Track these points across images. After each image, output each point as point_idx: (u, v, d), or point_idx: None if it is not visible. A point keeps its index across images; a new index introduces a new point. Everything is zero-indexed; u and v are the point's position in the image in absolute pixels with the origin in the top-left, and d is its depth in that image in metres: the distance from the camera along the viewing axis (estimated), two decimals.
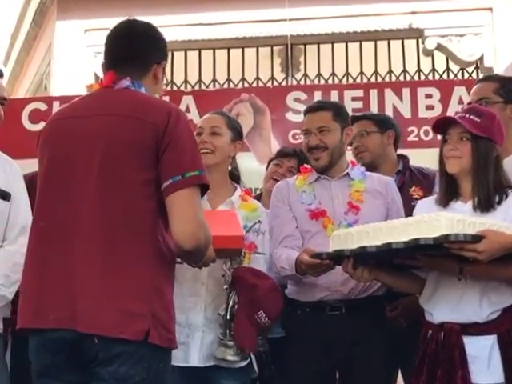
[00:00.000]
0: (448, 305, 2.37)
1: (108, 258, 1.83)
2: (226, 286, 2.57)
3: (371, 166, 3.18)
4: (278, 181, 3.33)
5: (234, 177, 2.93)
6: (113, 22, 6.69)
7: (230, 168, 2.87)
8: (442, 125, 2.48)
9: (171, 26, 6.77)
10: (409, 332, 2.80)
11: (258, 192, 3.96)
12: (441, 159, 2.48)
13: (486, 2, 6.53)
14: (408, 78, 6.60)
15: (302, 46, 7.03)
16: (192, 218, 1.85)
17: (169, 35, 6.98)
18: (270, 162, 3.63)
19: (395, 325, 2.91)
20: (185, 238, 1.84)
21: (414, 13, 6.58)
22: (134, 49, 2.08)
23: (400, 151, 3.89)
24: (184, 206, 1.85)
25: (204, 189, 1.94)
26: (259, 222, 2.77)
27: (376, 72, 6.75)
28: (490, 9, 6.54)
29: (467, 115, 2.43)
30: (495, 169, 2.41)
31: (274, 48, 7.05)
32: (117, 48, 2.11)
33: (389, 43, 6.77)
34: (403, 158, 3.50)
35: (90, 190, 1.87)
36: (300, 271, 2.66)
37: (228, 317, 2.56)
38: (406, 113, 4.69)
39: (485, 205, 2.36)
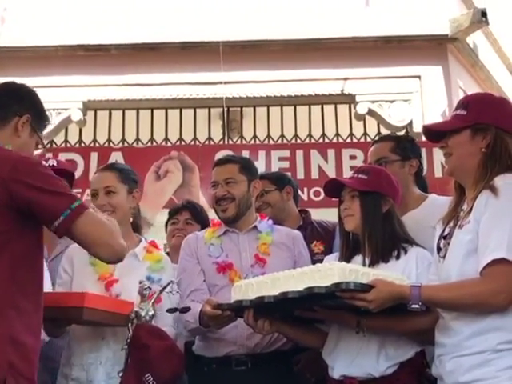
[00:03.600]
0: (347, 358, 2.37)
1: None
2: (125, 346, 2.46)
3: (275, 222, 3.20)
4: (180, 237, 3.42)
5: (136, 226, 2.91)
6: (50, 80, 6.69)
7: (131, 218, 2.86)
8: (335, 188, 2.57)
9: (109, 86, 6.86)
10: None
11: None
12: (339, 218, 2.57)
13: (415, 70, 6.77)
14: (341, 141, 6.74)
15: (239, 109, 7.15)
16: (104, 241, 1.99)
17: (107, 94, 7.05)
18: (166, 225, 3.71)
19: (303, 380, 2.88)
20: (108, 257, 2.03)
21: (346, 79, 6.77)
22: None
23: (324, 211, 3.95)
24: (90, 232, 1.97)
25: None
26: (172, 281, 2.66)
27: (310, 135, 6.88)
28: (419, 76, 6.78)
29: (355, 175, 2.56)
30: (388, 221, 2.48)
31: (212, 109, 7.15)
32: None
33: (322, 107, 6.92)
34: (304, 213, 3.57)
35: None
36: (204, 323, 2.63)
37: None
38: (331, 173, 4.81)
39: (376, 257, 2.41)
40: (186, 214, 3.61)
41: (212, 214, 3.61)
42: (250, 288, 2.39)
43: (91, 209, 2.06)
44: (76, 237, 1.97)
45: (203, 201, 5.01)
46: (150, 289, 2.56)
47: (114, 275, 2.72)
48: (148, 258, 2.80)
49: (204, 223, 3.61)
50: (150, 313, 2.51)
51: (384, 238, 2.45)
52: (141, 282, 2.57)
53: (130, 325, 2.48)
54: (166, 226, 3.71)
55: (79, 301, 2.42)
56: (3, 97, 2.15)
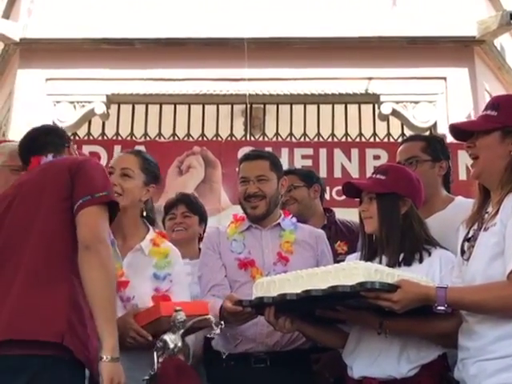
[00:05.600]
0: (367, 359, 2.34)
1: (29, 281, 2.02)
2: (146, 377, 2.20)
3: (300, 219, 3.17)
4: (180, 231, 3.41)
5: (150, 220, 2.81)
6: (75, 73, 6.71)
7: (144, 212, 2.75)
8: (355, 189, 2.54)
9: (133, 80, 6.87)
10: None
11: None
12: (360, 220, 2.53)
13: (440, 71, 6.70)
14: (364, 141, 6.69)
15: (262, 106, 7.12)
16: (94, 226, 2.09)
17: (131, 88, 7.07)
18: (164, 222, 3.62)
19: (321, 379, 2.86)
20: (84, 237, 2.07)
21: (370, 78, 6.72)
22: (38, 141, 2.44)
23: (347, 210, 3.91)
24: (89, 219, 2.09)
25: (114, 210, 2.20)
26: (208, 319, 2.41)
27: (333, 134, 6.84)
28: (444, 78, 6.71)
29: (374, 175, 2.52)
30: (407, 223, 2.43)
31: (234, 106, 7.13)
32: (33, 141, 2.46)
33: (346, 107, 6.87)
34: (329, 212, 3.53)
35: (21, 223, 2.14)
36: (223, 319, 2.60)
37: None
38: (354, 173, 4.76)
39: (394, 260, 2.37)
40: (181, 208, 3.54)
41: (234, 210, 3.59)
42: (272, 285, 2.36)
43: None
44: (77, 221, 2.10)
45: (225, 197, 4.99)
46: (185, 322, 2.30)
47: (124, 274, 2.59)
48: (154, 252, 2.68)
49: (201, 214, 3.59)
50: (179, 344, 2.28)
51: (403, 239, 2.41)
52: (177, 310, 2.31)
53: (155, 353, 2.26)
54: (163, 222, 3.59)
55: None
56: (54, 138, 2.45)
